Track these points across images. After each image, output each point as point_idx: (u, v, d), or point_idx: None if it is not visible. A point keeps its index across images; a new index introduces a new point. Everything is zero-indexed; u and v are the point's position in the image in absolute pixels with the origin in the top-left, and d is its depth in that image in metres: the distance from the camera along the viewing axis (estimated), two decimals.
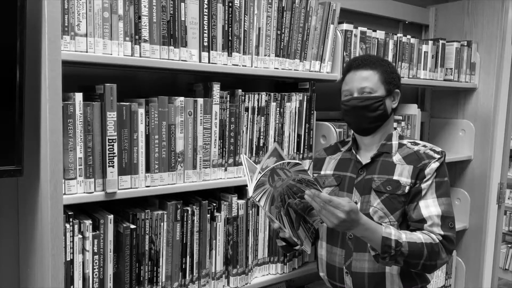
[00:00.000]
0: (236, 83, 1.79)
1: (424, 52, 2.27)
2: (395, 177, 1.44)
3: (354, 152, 1.55)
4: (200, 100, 1.48)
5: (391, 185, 1.43)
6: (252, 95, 1.62)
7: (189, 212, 1.49)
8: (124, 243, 1.36)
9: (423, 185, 1.41)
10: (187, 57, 1.45)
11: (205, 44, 1.48)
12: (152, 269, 1.43)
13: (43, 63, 1.13)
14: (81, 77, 1.48)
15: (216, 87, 1.51)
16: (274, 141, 1.69)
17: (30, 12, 1.12)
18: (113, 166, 1.31)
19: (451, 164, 2.51)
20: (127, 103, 1.34)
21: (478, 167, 2.52)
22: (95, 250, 1.32)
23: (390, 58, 2.10)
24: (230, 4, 1.53)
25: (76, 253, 1.29)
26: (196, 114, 1.48)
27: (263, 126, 1.66)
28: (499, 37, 2.40)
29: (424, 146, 1.49)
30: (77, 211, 1.36)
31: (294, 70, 1.74)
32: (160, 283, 1.45)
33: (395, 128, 1.57)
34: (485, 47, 2.47)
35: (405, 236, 1.31)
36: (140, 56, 1.36)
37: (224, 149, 1.57)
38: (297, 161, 1.21)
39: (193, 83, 1.61)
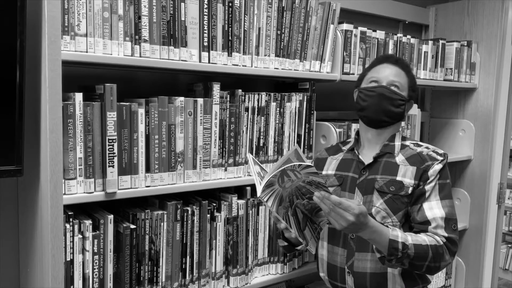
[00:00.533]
0: (236, 83, 1.79)
1: (424, 52, 2.27)
2: (398, 178, 1.44)
3: (356, 152, 1.55)
4: (200, 100, 1.48)
5: (394, 185, 1.43)
6: (252, 95, 1.62)
7: (189, 212, 1.49)
8: (124, 243, 1.36)
9: (427, 187, 1.42)
10: (187, 57, 1.45)
11: (205, 44, 1.48)
12: (152, 269, 1.43)
13: (43, 63, 1.12)
14: (81, 77, 1.48)
15: (216, 87, 1.51)
16: (274, 141, 1.69)
17: (30, 12, 1.12)
18: (113, 166, 1.31)
19: (451, 164, 2.50)
20: (127, 103, 1.34)
21: (478, 167, 2.52)
22: (95, 250, 1.32)
23: None
24: (230, 4, 1.53)
25: (76, 253, 1.29)
26: (196, 114, 1.48)
27: (263, 126, 1.66)
28: (499, 37, 2.41)
29: (427, 148, 1.50)
30: (77, 211, 1.36)
31: (294, 70, 1.74)
32: (160, 283, 1.45)
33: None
34: (485, 47, 2.47)
35: (411, 238, 1.32)
36: (140, 56, 1.36)
37: (224, 149, 1.57)
38: (308, 164, 1.21)
39: (193, 83, 1.61)
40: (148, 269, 1.42)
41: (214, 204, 1.57)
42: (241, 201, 1.62)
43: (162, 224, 1.44)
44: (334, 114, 2.19)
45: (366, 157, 1.53)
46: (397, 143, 1.51)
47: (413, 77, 1.55)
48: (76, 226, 1.28)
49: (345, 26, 1.90)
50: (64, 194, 1.24)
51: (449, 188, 1.45)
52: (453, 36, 2.55)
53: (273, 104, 1.68)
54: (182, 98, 1.44)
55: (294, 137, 1.75)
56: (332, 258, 1.52)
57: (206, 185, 1.52)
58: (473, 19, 2.50)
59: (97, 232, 1.32)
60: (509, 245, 4.35)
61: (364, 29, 1.98)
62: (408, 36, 2.19)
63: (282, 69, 1.71)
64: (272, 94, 1.67)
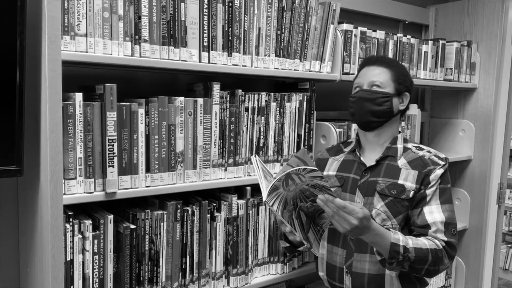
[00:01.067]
0: (236, 83, 1.79)
1: (424, 52, 2.27)
2: (400, 181, 1.44)
3: (358, 153, 1.55)
4: (200, 100, 1.48)
5: (395, 189, 1.43)
6: (252, 95, 1.62)
7: (189, 212, 1.49)
8: (124, 243, 1.36)
9: (428, 191, 1.42)
10: (187, 57, 1.45)
11: (205, 44, 1.48)
12: (152, 269, 1.43)
13: (43, 63, 1.13)
14: (81, 77, 1.48)
15: (216, 87, 1.51)
16: (274, 141, 1.69)
17: (30, 12, 1.12)
18: (113, 166, 1.31)
19: (451, 164, 2.48)
20: (127, 103, 1.34)
21: (478, 167, 2.52)
22: (95, 250, 1.32)
23: None
24: (230, 4, 1.53)
25: (76, 253, 1.29)
26: (196, 114, 1.48)
27: (263, 126, 1.66)
28: (499, 37, 2.40)
29: (429, 151, 1.50)
30: (77, 211, 1.36)
31: (294, 70, 1.74)
32: (160, 283, 1.45)
33: (399, 132, 1.57)
34: (485, 47, 2.47)
35: (411, 242, 1.32)
36: (140, 56, 1.36)
37: (224, 149, 1.57)
38: (314, 167, 1.21)
39: (193, 83, 1.61)
40: (148, 269, 1.42)
41: (214, 204, 1.57)
42: (241, 201, 1.62)
43: (162, 224, 1.44)
44: (334, 114, 2.19)
45: (367, 158, 1.53)
46: (400, 145, 1.51)
47: (398, 69, 1.52)
48: (76, 226, 1.28)
49: (345, 26, 1.90)
50: (64, 194, 1.24)
51: (450, 193, 1.46)
52: (453, 36, 2.55)
53: (273, 104, 1.68)
54: (182, 98, 1.44)
55: (294, 137, 1.75)
56: (331, 258, 1.52)
57: (206, 185, 1.52)
58: (473, 19, 2.50)
59: (97, 232, 1.32)
60: (509, 245, 4.36)
61: (364, 29, 1.98)
62: (408, 36, 2.19)
63: (282, 69, 1.71)
64: (272, 94, 1.67)
